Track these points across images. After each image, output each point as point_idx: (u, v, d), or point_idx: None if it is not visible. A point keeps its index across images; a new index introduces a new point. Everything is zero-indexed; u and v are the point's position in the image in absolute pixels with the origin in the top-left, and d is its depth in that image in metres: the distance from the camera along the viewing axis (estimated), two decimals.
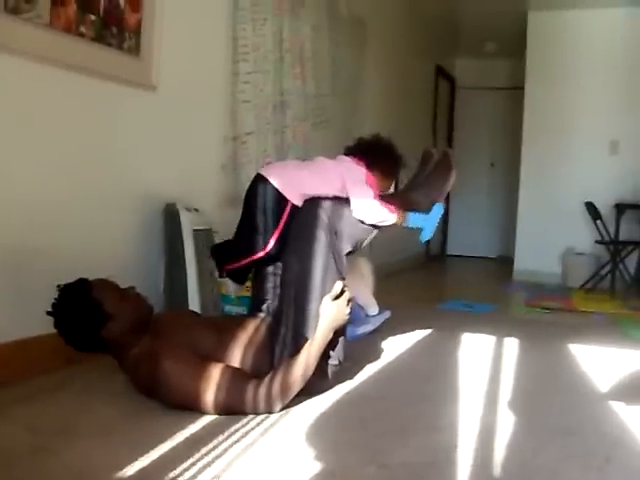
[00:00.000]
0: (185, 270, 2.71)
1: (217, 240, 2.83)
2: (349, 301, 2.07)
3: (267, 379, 1.91)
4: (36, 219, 2.22)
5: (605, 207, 5.72)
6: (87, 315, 1.90)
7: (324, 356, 2.05)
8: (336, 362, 2.16)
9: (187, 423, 1.79)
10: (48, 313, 1.90)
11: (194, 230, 2.76)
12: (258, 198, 2.22)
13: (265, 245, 2.19)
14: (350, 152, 2.48)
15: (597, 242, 5.65)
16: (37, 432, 1.72)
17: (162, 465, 1.52)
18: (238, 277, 2.40)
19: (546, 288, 5.71)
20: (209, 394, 1.84)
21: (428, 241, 2.55)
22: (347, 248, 2.18)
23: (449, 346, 3.04)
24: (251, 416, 1.87)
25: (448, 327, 3.48)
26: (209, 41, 3.16)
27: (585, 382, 2.50)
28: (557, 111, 6.21)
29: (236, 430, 1.78)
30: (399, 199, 2.41)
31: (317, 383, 2.07)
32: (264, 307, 2.26)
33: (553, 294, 5.33)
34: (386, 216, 2.25)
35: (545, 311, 4.39)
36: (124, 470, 1.49)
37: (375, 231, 2.28)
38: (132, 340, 1.96)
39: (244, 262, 2.25)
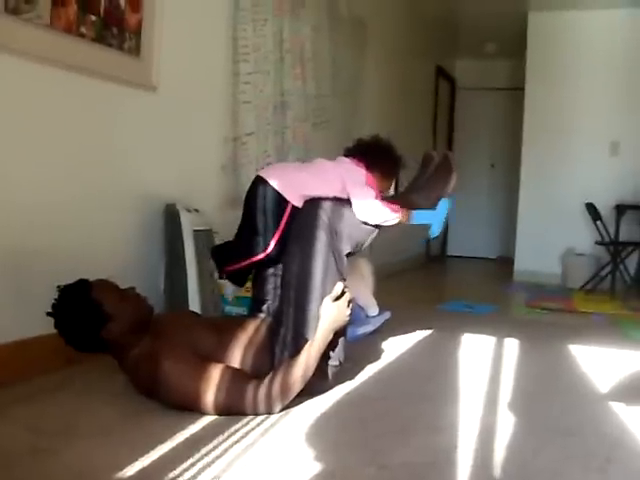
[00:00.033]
0: (185, 271, 2.71)
1: (217, 241, 2.83)
2: (350, 302, 2.07)
3: (267, 380, 1.91)
4: (36, 220, 2.22)
5: (605, 208, 5.72)
6: (87, 316, 1.90)
7: (324, 357, 2.05)
8: (336, 363, 2.16)
9: (187, 423, 1.79)
10: (48, 314, 1.90)
11: (194, 231, 2.76)
12: (258, 200, 2.21)
13: (265, 247, 2.19)
14: (349, 153, 2.49)
15: (597, 243, 5.65)
16: (37, 432, 1.72)
17: (162, 465, 1.52)
18: (237, 279, 2.40)
19: (546, 289, 5.71)
20: (209, 394, 1.83)
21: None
22: (346, 249, 2.18)
23: (449, 347, 3.04)
24: (251, 416, 1.87)
25: (448, 328, 3.47)
26: (209, 41, 3.16)
27: (585, 383, 2.50)
28: (557, 112, 6.21)
29: (236, 430, 1.78)
30: (400, 201, 2.41)
31: (317, 384, 2.07)
32: (264, 308, 2.26)
33: (553, 295, 5.32)
34: (389, 215, 2.25)
35: (545, 312, 4.39)
36: (124, 470, 1.49)
37: (375, 232, 2.28)
38: (132, 340, 1.96)
39: (244, 264, 2.24)
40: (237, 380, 1.89)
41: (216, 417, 1.86)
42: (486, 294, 5.27)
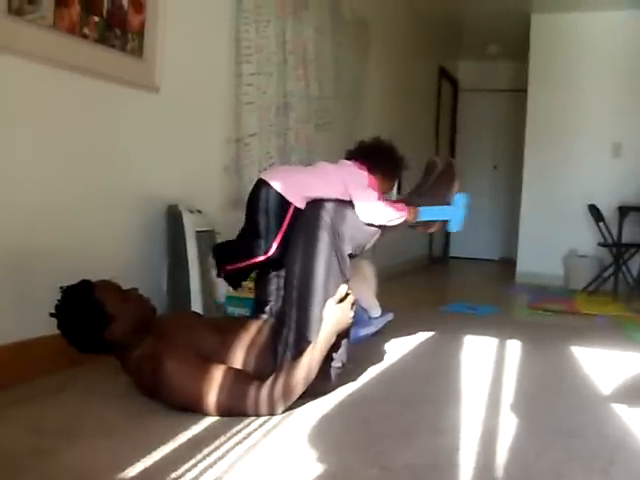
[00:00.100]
0: (188, 271, 2.71)
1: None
2: (353, 304, 2.07)
3: (269, 381, 1.90)
4: (39, 221, 2.23)
5: (608, 209, 5.71)
6: (90, 316, 1.90)
7: (327, 358, 2.04)
8: (339, 364, 2.16)
9: (189, 424, 1.79)
10: (51, 315, 1.91)
11: (197, 231, 2.76)
12: (260, 202, 2.22)
13: (267, 249, 2.19)
14: (351, 156, 2.49)
15: (600, 244, 5.65)
16: (39, 433, 1.72)
17: (164, 466, 1.52)
18: (234, 280, 2.39)
19: (549, 290, 5.70)
20: (211, 395, 1.83)
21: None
22: (347, 250, 2.18)
23: (452, 348, 3.04)
24: (253, 417, 1.87)
25: (451, 329, 3.47)
26: (212, 43, 3.16)
27: (588, 385, 2.50)
28: (560, 113, 6.21)
29: (238, 431, 1.78)
30: (404, 202, 2.42)
31: (320, 385, 2.06)
32: (267, 309, 2.26)
33: (556, 296, 5.32)
34: (393, 214, 2.25)
35: (548, 313, 4.39)
36: (126, 471, 1.49)
37: (378, 234, 2.28)
38: (135, 341, 1.96)
39: (244, 264, 2.24)
40: (239, 381, 1.88)
41: (218, 418, 1.86)
42: (488, 296, 5.26)
